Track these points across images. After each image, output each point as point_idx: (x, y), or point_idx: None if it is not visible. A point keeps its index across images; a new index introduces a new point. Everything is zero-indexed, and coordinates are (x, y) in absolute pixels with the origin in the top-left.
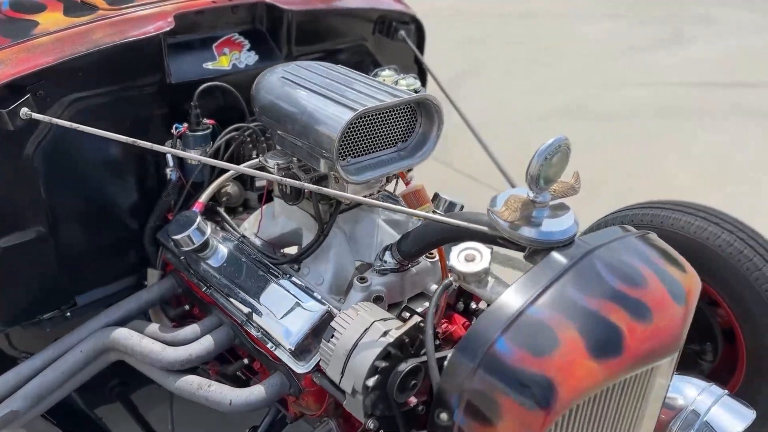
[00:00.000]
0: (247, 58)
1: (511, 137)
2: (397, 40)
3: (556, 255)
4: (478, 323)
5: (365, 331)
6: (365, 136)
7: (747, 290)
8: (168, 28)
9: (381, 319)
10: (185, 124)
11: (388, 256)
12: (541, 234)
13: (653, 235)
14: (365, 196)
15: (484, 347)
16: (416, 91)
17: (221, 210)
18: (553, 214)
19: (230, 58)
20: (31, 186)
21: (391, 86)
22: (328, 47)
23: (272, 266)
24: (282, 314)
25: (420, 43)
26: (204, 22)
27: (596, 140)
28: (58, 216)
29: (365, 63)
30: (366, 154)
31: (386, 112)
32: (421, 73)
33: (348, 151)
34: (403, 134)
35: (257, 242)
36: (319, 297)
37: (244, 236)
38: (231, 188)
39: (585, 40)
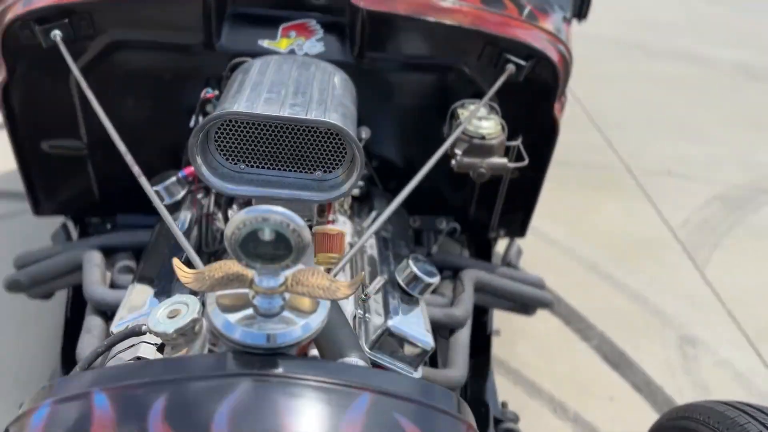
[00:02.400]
0: (311, 47)
1: None
2: (509, 74)
3: None
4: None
5: None
6: (257, 147)
7: None
8: None
9: None
10: (216, 92)
11: None
12: None
13: None
14: None
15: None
16: (483, 137)
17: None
18: None
19: (292, 42)
20: (69, 104)
21: (345, 106)
22: (410, 60)
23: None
24: None
25: (551, 88)
26: (271, 1)
27: None
28: (94, 137)
29: (458, 88)
30: (262, 167)
31: (292, 130)
32: (541, 124)
33: (237, 156)
34: (328, 163)
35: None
36: None
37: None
38: None
39: None
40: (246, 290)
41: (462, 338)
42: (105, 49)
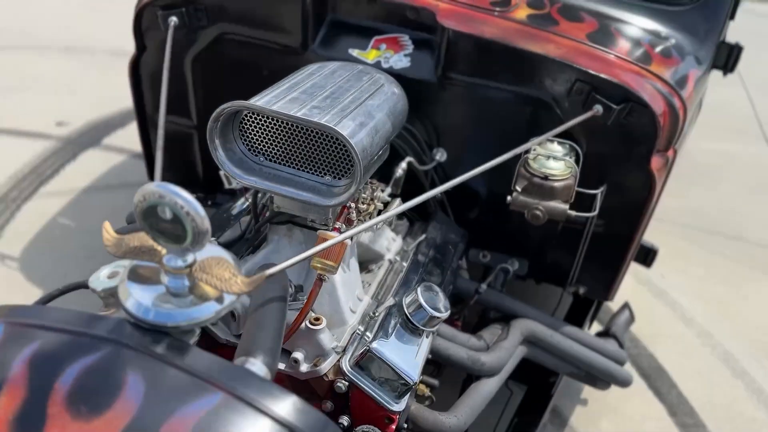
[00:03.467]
0: (398, 61)
1: None
2: (593, 114)
3: None
4: None
5: None
6: (275, 142)
7: None
8: None
9: None
10: None
11: None
12: None
13: None
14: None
15: None
16: (545, 177)
17: None
18: None
19: (381, 54)
20: (184, 85)
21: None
22: (493, 85)
23: None
24: None
25: (649, 140)
26: (371, 12)
27: None
28: (201, 118)
29: (543, 121)
30: (280, 162)
31: (305, 132)
32: (634, 178)
33: (258, 148)
34: (337, 169)
35: None
36: None
37: None
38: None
39: None
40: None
41: (482, 388)
42: (215, 40)
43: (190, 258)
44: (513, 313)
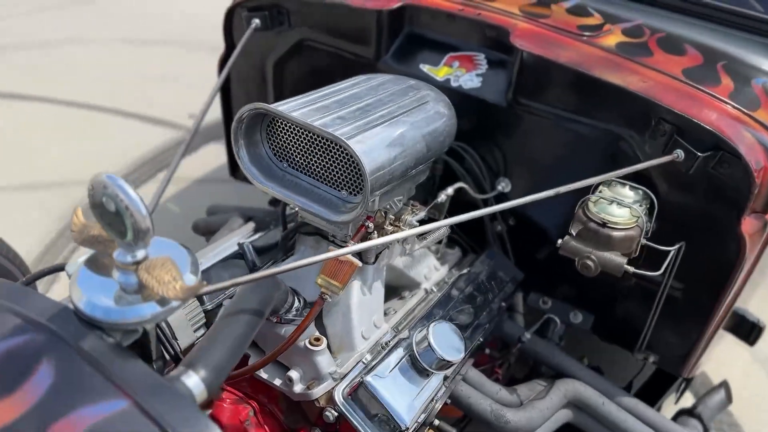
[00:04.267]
0: (468, 80)
1: None
2: (672, 160)
3: None
4: None
5: None
6: (297, 149)
7: None
8: (387, 8)
9: None
10: None
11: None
12: None
13: None
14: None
15: None
16: (603, 224)
17: None
18: None
19: (452, 72)
20: (264, 87)
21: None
22: (566, 115)
23: None
24: None
25: (741, 197)
26: (450, 28)
27: None
28: None
29: (619, 160)
30: (301, 171)
31: (324, 143)
32: (719, 239)
33: (283, 154)
34: (353, 185)
35: None
36: None
37: None
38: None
39: None
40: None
41: None
42: (295, 46)
43: (140, 254)
44: (560, 370)
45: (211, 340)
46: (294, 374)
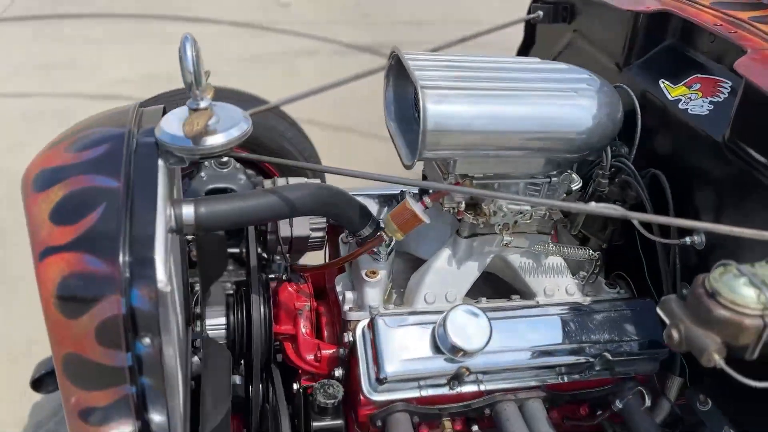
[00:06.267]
0: (697, 106)
1: None
2: None
3: None
4: None
5: None
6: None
7: None
8: (643, 9)
9: None
10: None
11: None
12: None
13: None
14: None
15: None
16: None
17: None
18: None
19: (687, 93)
20: None
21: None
22: None
23: None
24: None
25: None
26: (709, 47)
27: None
28: None
29: None
30: (417, 114)
31: None
32: None
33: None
34: None
35: None
36: None
37: None
38: None
39: None
40: None
41: None
42: (570, 41)
43: (202, 104)
44: None
45: (228, 196)
46: (349, 295)
